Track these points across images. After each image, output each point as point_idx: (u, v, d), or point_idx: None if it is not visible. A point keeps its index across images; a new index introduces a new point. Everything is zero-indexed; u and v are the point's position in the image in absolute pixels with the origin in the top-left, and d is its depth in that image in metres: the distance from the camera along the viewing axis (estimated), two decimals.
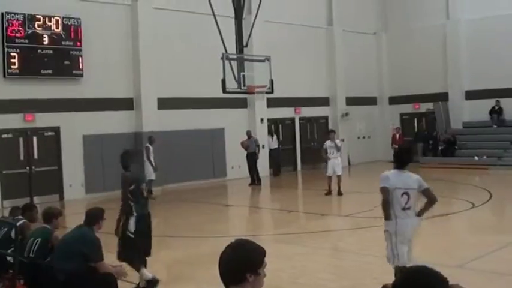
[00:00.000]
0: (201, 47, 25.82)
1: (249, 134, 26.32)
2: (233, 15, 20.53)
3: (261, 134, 28.47)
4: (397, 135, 32.31)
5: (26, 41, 21.56)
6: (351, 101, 33.66)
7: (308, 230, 15.49)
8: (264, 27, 27.12)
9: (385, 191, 8.44)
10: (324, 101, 33.09)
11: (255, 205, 22.81)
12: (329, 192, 20.99)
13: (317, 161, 31.34)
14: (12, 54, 21.24)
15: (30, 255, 8.61)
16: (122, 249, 9.82)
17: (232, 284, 3.42)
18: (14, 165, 21.87)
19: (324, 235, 14.72)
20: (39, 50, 21.91)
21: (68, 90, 22.80)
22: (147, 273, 9.87)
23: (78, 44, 22.78)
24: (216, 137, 27.31)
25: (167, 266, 12.54)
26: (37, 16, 21.80)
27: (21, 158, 22.14)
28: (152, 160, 22.55)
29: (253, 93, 21.45)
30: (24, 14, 21.49)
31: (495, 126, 31.24)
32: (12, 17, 21.24)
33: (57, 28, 22.26)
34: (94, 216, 8.48)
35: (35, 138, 22.41)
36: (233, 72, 19.41)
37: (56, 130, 22.81)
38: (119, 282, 8.56)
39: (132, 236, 9.76)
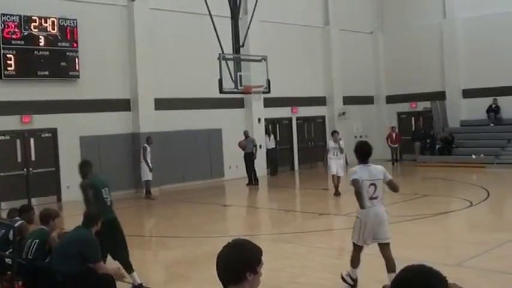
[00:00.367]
0: (197, 47, 25.83)
1: (246, 134, 26.31)
2: (229, 15, 20.54)
3: (258, 134, 28.46)
4: (394, 135, 32.32)
5: (22, 42, 21.53)
6: (348, 101, 33.68)
7: (306, 230, 15.50)
8: (260, 27, 27.13)
9: (356, 182, 9.00)
10: (321, 101, 33.10)
11: (252, 205, 22.81)
12: (337, 192, 20.61)
13: (314, 160, 31.42)
14: (8, 55, 21.20)
15: (29, 256, 8.60)
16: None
17: (231, 284, 3.42)
18: (12, 167, 21.84)
19: (322, 234, 14.72)
20: (35, 52, 21.88)
21: (64, 92, 22.79)
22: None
23: (75, 45, 22.75)
24: (213, 137, 27.31)
25: (165, 266, 12.54)
26: (33, 17, 21.76)
27: (19, 159, 22.12)
28: (149, 160, 22.53)
29: (250, 93, 21.45)
30: (20, 16, 21.46)
31: (492, 125, 31.26)
32: (8, 18, 21.21)
33: (54, 29, 22.23)
34: (92, 218, 8.47)
35: (32, 140, 22.39)
36: (230, 72, 19.41)
37: (53, 131, 22.79)
38: (117, 283, 8.55)
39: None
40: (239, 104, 28.47)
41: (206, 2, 19.54)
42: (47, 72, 22.19)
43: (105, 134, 23.68)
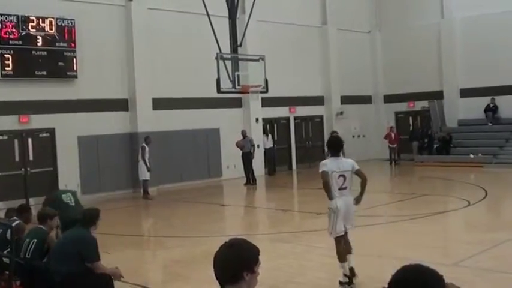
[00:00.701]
0: (195, 47, 25.84)
1: (244, 133, 26.31)
2: (227, 14, 20.53)
3: (256, 134, 28.47)
4: (393, 134, 32.33)
5: (20, 42, 21.52)
6: (346, 100, 33.69)
7: (304, 229, 15.51)
8: (258, 27, 27.13)
9: (324, 175, 9.62)
10: (318, 100, 33.11)
11: (250, 205, 22.81)
12: None
13: (312, 160, 31.39)
14: (6, 55, 21.20)
15: (27, 256, 8.60)
16: None
17: (228, 284, 3.42)
18: (9, 167, 21.84)
19: (319, 234, 14.68)
20: (33, 52, 21.87)
21: (62, 92, 22.78)
22: None
23: (72, 45, 22.74)
24: (211, 137, 27.31)
25: (163, 265, 12.54)
26: (31, 17, 21.75)
27: (17, 159, 22.12)
28: (147, 160, 22.51)
29: (248, 92, 21.44)
30: (18, 16, 21.45)
31: (490, 124, 31.27)
32: (6, 18, 21.20)
33: (51, 29, 22.22)
34: (90, 217, 8.46)
35: (30, 140, 22.38)
36: (227, 72, 19.41)
37: (51, 131, 22.77)
38: (115, 283, 8.55)
39: None
40: (237, 103, 28.48)
41: (204, 2, 19.53)
42: (44, 72, 22.17)
43: (103, 133, 23.69)
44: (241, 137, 26.05)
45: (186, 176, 26.11)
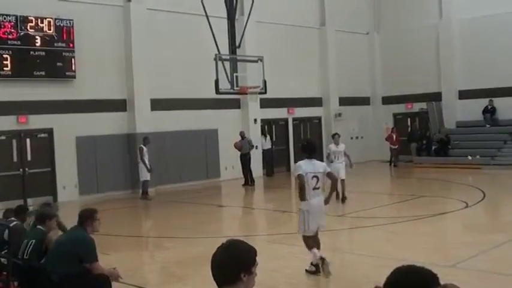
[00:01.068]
0: (194, 47, 25.82)
1: (242, 134, 26.33)
2: (226, 15, 20.54)
3: (255, 135, 28.46)
4: (394, 136, 32.33)
5: (19, 42, 21.49)
6: (344, 101, 33.69)
7: None
8: (256, 28, 27.15)
9: (301, 177, 10.30)
10: (317, 102, 33.12)
11: (248, 206, 22.80)
12: (338, 196, 19.12)
13: None
14: (4, 56, 21.17)
15: (25, 256, 8.59)
16: None
17: (225, 285, 3.42)
18: (7, 167, 21.81)
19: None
20: (31, 52, 21.84)
21: (60, 92, 22.75)
22: None
23: (71, 45, 22.72)
24: (209, 138, 27.30)
25: (161, 266, 12.54)
26: (29, 18, 21.73)
27: (15, 160, 22.09)
28: (146, 161, 22.48)
29: (246, 93, 21.48)
30: (17, 16, 21.42)
31: (488, 126, 31.30)
32: (5, 18, 21.18)
33: (50, 29, 22.20)
34: (84, 217, 8.44)
35: (28, 140, 22.36)
36: (226, 73, 19.42)
37: (49, 132, 22.75)
38: (113, 284, 8.54)
39: None
40: (235, 104, 28.48)
41: (202, 3, 19.56)
42: (43, 73, 22.15)
43: (101, 134, 23.67)
44: (240, 138, 26.06)
45: (184, 177, 26.10)
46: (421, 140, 32.61)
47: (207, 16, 19.54)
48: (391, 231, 14.92)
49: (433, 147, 31.58)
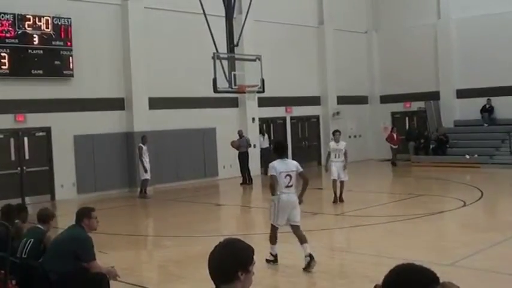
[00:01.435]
0: (192, 46, 25.82)
1: (240, 133, 26.34)
2: (224, 14, 20.53)
3: (252, 134, 28.46)
4: (395, 135, 32.33)
5: (16, 41, 21.47)
6: (342, 100, 33.71)
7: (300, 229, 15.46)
8: (254, 27, 27.16)
9: (272, 178, 10.96)
10: (315, 100, 33.13)
11: (246, 204, 22.82)
12: (336, 200, 18.96)
13: (308, 160, 31.39)
14: (2, 54, 21.14)
15: (23, 255, 8.57)
16: None
17: (223, 283, 3.41)
18: (5, 166, 21.78)
19: (316, 234, 14.71)
20: (29, 50, 21.82)
21: (58, 90, 22.74)
22: None
23: (69, 43, 22.70)
24: (207, 137, 27.30)
25: (159, 265, 12.53)
26: (27, 16, 21.70)
27: (13, 158, 22.07)
28: (145, 160, 22.43)
29: (244, 92, 21.47)
30: (14, 14, 21.40)
31: (486, 125, 31.32)
32: (2, 17, 21.15)
33: (48, 28, 22.18)
34: (81, 215, 8.43)
35: (26, 139, 22.34)
36: (224, 72, 19.41)
37: (47, 130, 22.74)
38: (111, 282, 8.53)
39: None
40: (233, 103, 28.47)
41: (200, 1, 19.55)
42: (41, 71, 22.13)
43: (99, 133, 23.68)
44: (238, 137, 26.07)
45: (182, 176, 26.10)
46: (419, 139, 32.63)
47: (205, 14, 19.53)
48: (389, 230, 14.93)
49: (431, 146, 31.60)
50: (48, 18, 22.18)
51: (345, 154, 18.91)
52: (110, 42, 24.37)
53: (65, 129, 22.83)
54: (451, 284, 3.19)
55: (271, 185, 10.99)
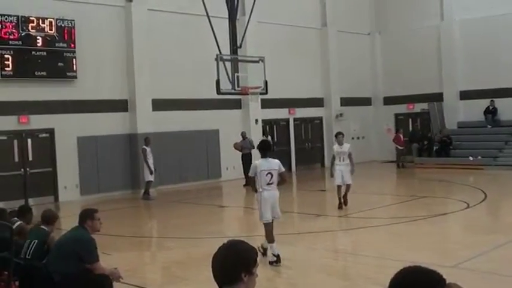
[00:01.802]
0: (195, 48, 25.84)
1: (243, 135, 26.33)
2: (227, 16, 20.54)
3: (256, 135, 28.43)
4: (401, 136, 32.29)
5: (20, 42, 21.51)
6: (346, 102, 33.69)
7: (303, 231, 15.48)
8: (257, 28, 27.16)
9: (251, 179, 11.98)
10: (318, 102, 33.11)
11: (249, 206, 22.76)
12: (341, 206, 17.99)
13: (312, 161, 31.41)
14: (5, 56, 21.18)
15: (27, 256, 8.59)
16: None
17: (226, 285, 3.42)
18: (9, 167, 21.81)
19: (319, 236, 14.72)
20: (33, 52, 21.86)
21: (62, 92, 22.77)
22: None
23: (72, 45, 22.73)
24: (210, 138, 27.30)
25: (162, 267, 12.53)
26: (31, 18, 21.74)
27: (16, 159, 22.09)
28: (150, 161, 22.40)
29: (248, 94, 21.48)
30: (18, 16, 21.44)
31: (490, 127, 31.28)
32: (6, 18, 21.19)
33: (51, 30, 22.21)
34: (84, 217, 8.44)
35: (29, 140, 22.36)
36: (227, 73, 19.42)
37: (51, 132, 22.76)
38: (115, 284, 8.54)
39: None
40: (236, 105, 28.48)
41: (204, 3, 19.55)
42: (44, 73, 22.17)
43: (102, 134, 23.69)
44: (241, 139, 26.07)
45: (185, 177, 26.10)
46: (422, 140, 32.60)
47: (208, 16, 19.54)
48: (392, 231, 14.91)
49: (435, 148, 31.56)
50: (51, 20, 22.21)
51: (350, 156, 17.84)
52: (113, 44, 24.39)
53: (68, 131, 22.85)
54: (457, 285, 3.19)
55: (252, 185, 11.99)
